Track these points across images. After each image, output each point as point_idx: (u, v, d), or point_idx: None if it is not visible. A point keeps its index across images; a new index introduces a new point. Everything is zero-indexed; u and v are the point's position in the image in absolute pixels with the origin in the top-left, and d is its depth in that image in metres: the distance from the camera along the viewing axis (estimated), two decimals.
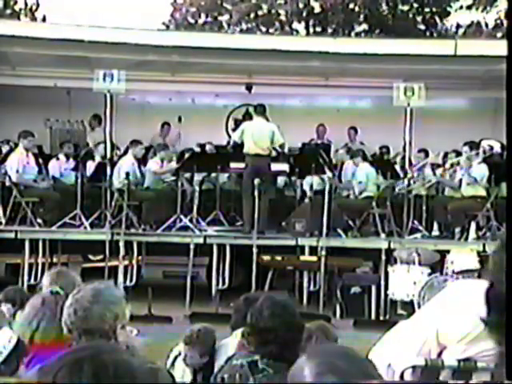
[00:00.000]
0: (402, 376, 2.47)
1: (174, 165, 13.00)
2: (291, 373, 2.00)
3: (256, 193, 11.35)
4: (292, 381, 1.98)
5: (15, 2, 27.89)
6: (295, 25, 28.12)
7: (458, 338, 2.46)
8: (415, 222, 12.40)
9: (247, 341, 3.59)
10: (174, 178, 13.15)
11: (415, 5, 27.91)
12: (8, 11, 27.34)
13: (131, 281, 11.99)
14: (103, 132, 13.10)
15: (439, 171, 12.99)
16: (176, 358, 5.33)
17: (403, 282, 10.80)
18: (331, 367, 1.89)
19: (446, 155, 13.56)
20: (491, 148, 13.13)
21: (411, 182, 12.84)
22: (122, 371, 1.88)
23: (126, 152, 13.06)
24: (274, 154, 12.54)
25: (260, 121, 12.35)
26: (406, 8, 28.12)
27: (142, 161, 12.96)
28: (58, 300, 3.62)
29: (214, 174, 13.37)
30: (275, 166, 12.60)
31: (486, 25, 26.94)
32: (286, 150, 13.53)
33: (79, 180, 12.37)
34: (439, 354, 2.52)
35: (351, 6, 27.33)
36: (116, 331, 3.05)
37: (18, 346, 3.24)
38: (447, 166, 12.83)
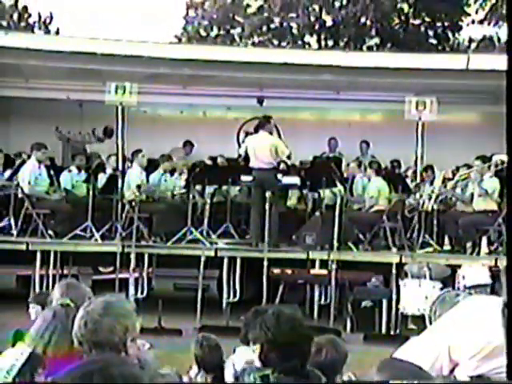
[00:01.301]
0: None
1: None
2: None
3: (267, 206, 11.34)
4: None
5: (29, 15, 28.08)
6: (307, 38, 28.15)
7: (470, 355, 2.44)
8: (426, 236, 12.35)
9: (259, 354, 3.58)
10: (184, 190, 13.17)
11: (427, 19, 27.90)
12: (22, 24, 27.52)
13: (142, 293, 11.98)
14: (115, 144, 13.14)
15: (450, 185, 12.95)
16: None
17: (414, 296, 10.74)
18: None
19: (457, 169, 13.52)
20: (503, 162, 13.09)
21: (423, 195, 12.80)
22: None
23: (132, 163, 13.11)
24: (282, 166, 12.53)
25: (261, 135, 12.26)
26: (417, 22, 28.11)
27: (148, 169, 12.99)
28: (69, 313, 3.62)
29: (225, 187, 13.38)
30: (286, 179, 12.59)
31: (499, 39, 26.89)
32: (297, 163, 13.53)
33: (91, 192, 12.40)
34: (451, 371, 2.50)
35: (363, 19, 27.34)
36: (126, 344, 3.05)
37: (30, 359, 3.24)
38: (456, 177, 12.78)
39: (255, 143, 12.16)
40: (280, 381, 3.41)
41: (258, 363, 3.51)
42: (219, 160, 14.32)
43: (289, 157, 12.57)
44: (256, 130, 12.73)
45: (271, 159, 12.04)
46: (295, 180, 12.93)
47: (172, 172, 13.46)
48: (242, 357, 4.60)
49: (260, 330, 3.53)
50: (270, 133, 12.43)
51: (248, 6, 28.35)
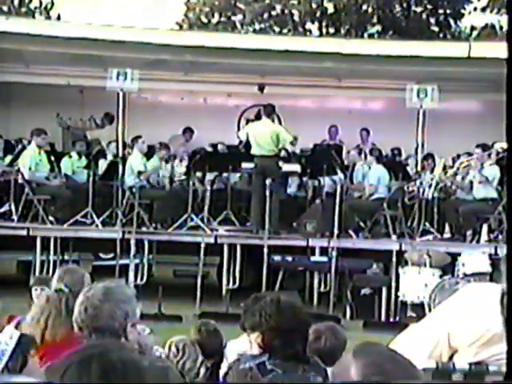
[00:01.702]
0: None
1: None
2: (335, 370, 2.00)
3: (267, 193, 11.35)
4: (336, 377, 1.97)
5: (30, 1, 27.98)
6: (308, 25, 28.08)
7: (469, 342, 2.45)
8: (426, 224, 12.36)
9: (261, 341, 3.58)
10: (185, 177, 13.18)
11: (429, 6, 27.82)
12: (23, 9, 27.44)
13: (142, 279, 12.00)
14: (116, 130, 13.13)
15: (450, 172, 12.95)
16: None
17: (414, 283, 10.77)
18: (379, 369, 1.88)
19: (458, 157, 13.52)
20: (504, 151, 13.08)
21: (423, 183, 12.80)
22: (130, 369, 1.88)
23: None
24: (283, 153, 12.53)
25: (264, 122, 12.26)
26: (419, 9, 28.03)
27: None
28: (62, 297, 3.63)
29: (225, 174, 13.38)
30: (287, 167, 12.59)
31: (501, 27, 26.82)
32: (297, 151, 13.52)
33: (91, 178, 12.40)
34: (450, 357, 2.51)
35: (364, 7, 27.27)
36: (126, 329, 3.06)
37: (21, 342, 3.24)
38: (456, 164, 12.77)
39: (257, 130, 12.15)
40: (279, 367, 3.42)
41: (255, 351, 3.51)
42: (219, 147, 14.32)
43: (292, 143, 12.55)
44: (257, 117, 12.69)
45: (272, 146, 12.03)
46: (296, 167, 12.94)
47: (169, 159, 13.46)
48: (234, 349, 4.63)
49: (260, 317, 3.53)
50: (273, 120, 12.43)
51: None
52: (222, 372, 4.84)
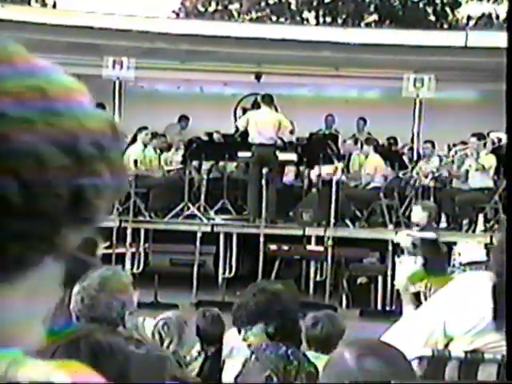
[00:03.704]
0: None
1: None
2: (331, 362, 2.00)
3: (263, 182, 11.35)
4: (332, 368, 1.98)
5: None
6: (305, 14, 28.01)
7: (465, 330, 2.46)
8: None
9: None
10: (181, 166, 13.17)
11: None
12: None
13: (138, 268, 12.02)
14: None
15: (446, 161, 12.96)
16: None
17: (410, 273, 10.78)
18: (372, 350, 1.89)
19: (454, 146, 13.52)
20: (500, 140, 13.09)
21: (419, 173, 12.81)
22: (117, 350, 1.89)
23: (134, 139, 13.07)
24: (279, 142, 12.53)
25: (265, 110, 12.30)
26: None
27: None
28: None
29: (221, 163, 13.37)
30: (283, 156, 12.59)
31: (498, 17, 26.78)
32: (293, 140, 13.52)
33: None
34: (446, 345, 2.52)
35: None
36: (124, 318, 3.06)
37: None
38: (452, 152, 12.78)
39: (258, 118, 12.15)
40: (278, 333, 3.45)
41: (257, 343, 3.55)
42: (215, 136, 14.30)
43: (291, 132, 12.56)
44: (253, 107, 12.67)
45: (273, 134, 12.06)
46: (292, 156, 12.94)
47: (168, 148, 13.46)
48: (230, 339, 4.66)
49: (257, 307, 3.57)
50: (276, 110, 12.47)
51: None
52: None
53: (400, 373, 1.86)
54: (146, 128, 12.92)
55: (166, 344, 4.76)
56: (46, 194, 0.68)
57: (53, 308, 0.78)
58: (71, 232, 0.72)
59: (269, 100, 12.42)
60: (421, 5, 28.04)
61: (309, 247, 11.77)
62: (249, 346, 3.57)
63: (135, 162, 12.16)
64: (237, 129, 13.26)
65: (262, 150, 11.98)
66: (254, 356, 3.47)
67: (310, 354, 3.79)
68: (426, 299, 9.51)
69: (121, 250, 11.73)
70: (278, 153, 12.37)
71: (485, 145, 12.25)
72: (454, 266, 10.71)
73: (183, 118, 15.23)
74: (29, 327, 0.75)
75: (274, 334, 3.47)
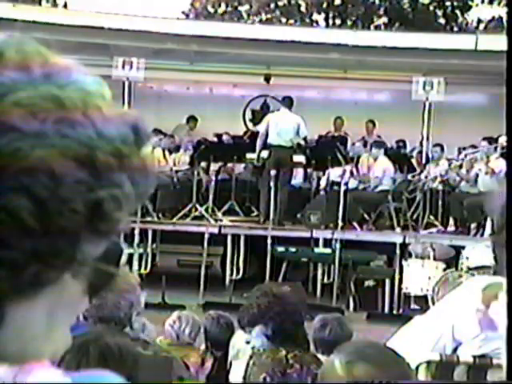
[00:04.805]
0: (416, 371, 2.46)
1: None
2: (322, 370, 2.00)
3: (272, 183, 11.36)
4: (323, 377, 1.97)
5: None
6: (315, 16, 28.02)
7: (473, 335, 2.45)
8: (431, 216, 12.35)
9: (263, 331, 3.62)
10: (189, 166, 13.17)
11: None
12: None
13: (145, 269, 12.03)
14: None
15: (455, 165, 12.93)
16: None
17: (418, 276, 10.76)
18: (361, 355, 1.89)
19: (463, 149, 13.49)
20: (506, 133, 13.03)
21: (428, 176, 12.79)
22: (126, 353, 1.89)
23: None
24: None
25: (286, 112, 12.37)
26: (426, 1, 27.94)
27: None
28: None
29: (230, 164, 13.37)
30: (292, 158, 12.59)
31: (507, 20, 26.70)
32: (302, 142, 13.52)
33: None
34: (454, 350, 2.51)
35: None
36: (131, 319, 3.06)
37: None
38: (461, 156, 12.75)
39: (279, 120, 12.20)
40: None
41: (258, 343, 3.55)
42: (224, 137, 14.31)
43: (305, 139, 12.58)
44: (262, 108, 12.67)
45: (292, 137, 12.11)
46: (300, 158, 12.93)
47: (177, 149, 13.47)
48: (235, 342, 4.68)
49: (259, 309, 3.58)
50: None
51: None
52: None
53: (391, 377, 1.85)
54: (160, 132, 12.94)
55: (182, 337, 4.79)
56: (61, 211, 0.66)
57: (75, 321, 0.77)
58: (91, 246, 0.70)
59: (289, 102, 12.51)
60: (431, 7, 28.01)
61: (316, 250, 11.76)
62: (252, 348, 3.59)
63: None
64: (245, 132, 13.26)
65: (280, 151, 12.02)
66: (252, 360, 3.48)
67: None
68: (433, 303, 9.50)
69: (128, 250, 11.74)
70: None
71: (495, 149, 12.22)
72: (461, 269, 10.69)
73: (192, 119, 15.23)
74: (50, 341, 0.73)
75: (274, 336, 3.48)
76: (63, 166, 0.66)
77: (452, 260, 11.11)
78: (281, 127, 12.07)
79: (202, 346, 5.29)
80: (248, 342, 3.62)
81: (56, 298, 0.71)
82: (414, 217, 12.30)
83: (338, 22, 27.44)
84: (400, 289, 11.05)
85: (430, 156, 13.36)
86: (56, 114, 0.67)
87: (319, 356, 4.02)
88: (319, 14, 27.98)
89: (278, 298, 3.59)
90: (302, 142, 12.58)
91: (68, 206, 0.66)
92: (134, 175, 0.71)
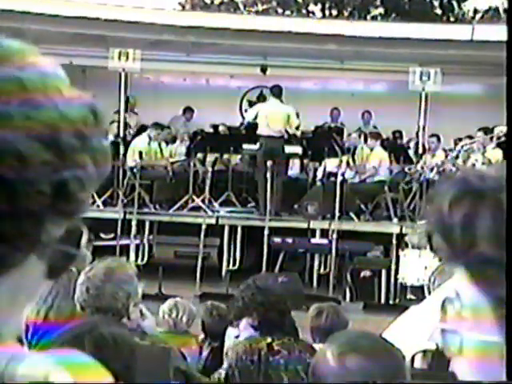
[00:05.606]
0: (412, 360, 2.47)
1: None
2: (314, 361, 2.00)
3: (268, 174, 11.35)
4: (316, 368, 1.97)
5: None
6: (311, 7, 27.94)
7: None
8: (427, 207, 12.35)
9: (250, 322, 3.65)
10: (186, 158, 13.17)
11: None
12: None
13: (142, 260, 12.04)
14: (118, 111, 13.12)
15: (452, 155, 12.93)
16: None
17: (414, 266, 10.79)
18: (353, 346, 1.89)
19: (459, 140, 13.50)
20: (505, 134, 13.06)
21: (424, 167, 12.79)
22: (121, 343, 1.90)
23: (139, 131, 13.08)
24: (285, 136, 12.52)
25: (275, 102, 12.31)
26: None
27: None
28: (71, 277, 3.63)
29: (226, 155, 13.37)
30: (288, 149, 12.58)
31: (504, 10, 26.68)
32: (298, 133, 13.51)
33: None
34: None
35: None
36: (129, 309, 3.07)
37: None
38: (458, 147, 12.76)
39: (268, 110, 12.15)
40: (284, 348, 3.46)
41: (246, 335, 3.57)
42: (221, 128, 14.29)
43: (297, 128, 12.56)
44: (259, 99, 12.65)
45: (281, 127, 12.06)
46: (297, 149, 12.93)
47: (173, 140, 13.46)
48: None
49: (243, 301, 3.61)
50: (281, 101, 12.44)
51: None
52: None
53: (384, 367, 1.86)
54: (159, 126, 12.92)
55: (179, 323, 4.80)
56: (27, 192, 0.65)
57: (35, 301, 0.77)
58: (55, 227, 0.70)
59: (277, 92, 12.39)
60: None
61: (313, 240, 11.77)
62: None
63: (140, 153, 12.16)
64: (242, 123, 13.25)
65: (270, 142, 11.98)
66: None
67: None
68: (429, 293, 9.52)
69: (125, 241, 11.75)
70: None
71: (491, 139, 12.23)
72: None
73: (188, 110, 15.21)
74: (12, 322, 0.73)
75: (260, 326, 3.51)
76: (29, 147, 0.65)
77: None
78: (271, 118, 12.03)
79: (201, 336, 5.32)
80: (237, 337, 3.65)
81: (19, 279, 0.70)
82: (411, 207, 12.32)
83: (334, 12, 27.38)
84: (396, 279, 11.08)
85: (427, 146, 13.36)
86: (18, 95, 0.67)
87: (316, 345, 4.04)
88: (315, 4, 27.89)
89: (261, 289, 3.62)
90: (297, 133, 12.57)
91: (34, 188, 0.66)
92: (95, 156, 0.71)
